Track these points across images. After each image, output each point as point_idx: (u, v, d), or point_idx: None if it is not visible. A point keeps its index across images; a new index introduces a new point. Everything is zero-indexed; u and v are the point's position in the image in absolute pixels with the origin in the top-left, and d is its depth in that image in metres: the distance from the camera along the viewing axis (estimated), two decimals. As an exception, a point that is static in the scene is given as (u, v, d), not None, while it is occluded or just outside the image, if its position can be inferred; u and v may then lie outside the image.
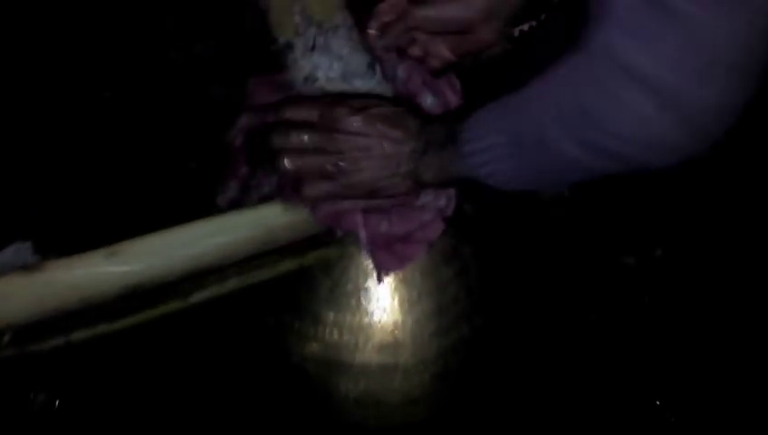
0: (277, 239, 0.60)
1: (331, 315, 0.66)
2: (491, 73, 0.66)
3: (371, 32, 0.63)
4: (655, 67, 0.41)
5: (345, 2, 0.63)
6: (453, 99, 0.66)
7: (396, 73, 0.65)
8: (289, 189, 0.60)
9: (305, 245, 0.61)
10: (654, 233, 0.70)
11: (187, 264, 0.56)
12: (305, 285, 0.66)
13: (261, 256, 0.59)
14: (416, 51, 0.63)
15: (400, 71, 0.65)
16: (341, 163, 0.58)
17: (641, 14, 0.41)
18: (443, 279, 0.67)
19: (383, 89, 0.66)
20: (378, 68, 0.65)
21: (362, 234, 0.61)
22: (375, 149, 0.57)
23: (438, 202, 0.64)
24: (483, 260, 0.68)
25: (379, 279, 0.65)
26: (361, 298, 0.67)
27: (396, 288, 0.67)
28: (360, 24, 0.64)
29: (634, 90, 0.43)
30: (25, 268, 0.50)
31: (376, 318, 0.66)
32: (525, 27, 0.65)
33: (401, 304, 0.67)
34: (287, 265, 0.58)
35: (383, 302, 0.67)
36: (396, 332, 0.66)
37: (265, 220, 0.59)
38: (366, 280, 0.67)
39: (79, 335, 0.49)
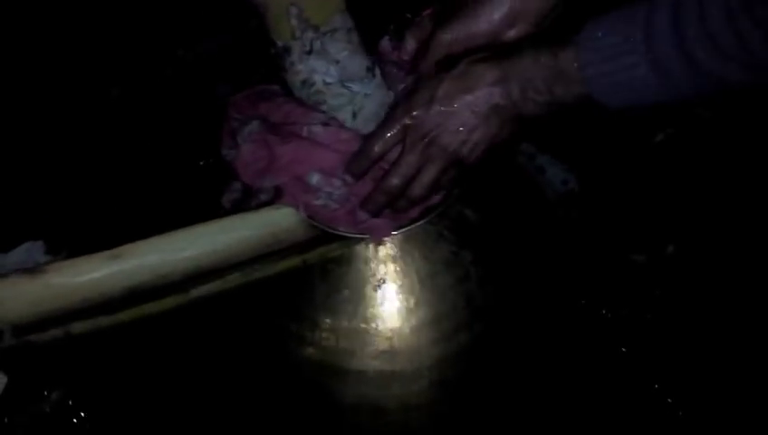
0: (279, 242, 0.59)
1: (328, 321, 0.66)
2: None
3: (405, 58, 0.64)
4: None
5: (344, 4, 0.61)
6: None
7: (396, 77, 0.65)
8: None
9: (307, 244, 0.61)
10: (663, 230, 0.69)
11: (188, 266, 0.56)
12: (304, 289, 0.66)
13: (262, 257, 0.59)
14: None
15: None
16: (451, 151, 0.57)
17: None
18: (443, 286, 0.67)
19: (382, 92, 0.64)
20: (377, 71, 0.64)
21: None
22: (470, 120, 0.55)
23: None
24: (484, 266, 0.67)
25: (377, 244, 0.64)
26: (359, 304, 0.66)
27: (395, 295, 0.66)
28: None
29: None
30: (29, 270, 0.51)
31: (374, 324, 0.66)
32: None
33: (400, 310, 0.66)
34: (289, 262, 0.58)
35: (382, 308, 0.66)
36: (394, 338, 0.66)
37: (267, 223, 0.59)
38: (365, 286, 0.66)
39: (78, 327, 0.50)
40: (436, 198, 0.62)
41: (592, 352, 0.67)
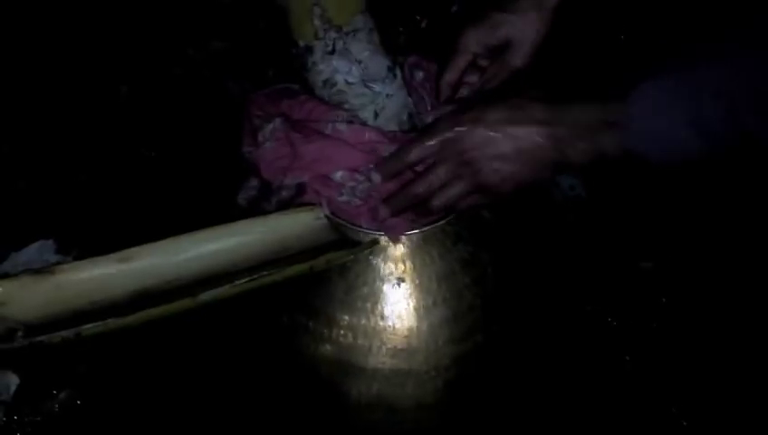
0: (286, 249, 0.60)
1: (345, 318, 0.66)
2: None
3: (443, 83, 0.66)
4: None
5: (365, 6, 0.62)
6: None
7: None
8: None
9: (314, 251, 0.61)
10: (670, 238, 0.68)
11: (197, 269, 0.56)
12: (320, 286, 0.66)
13: (269, 263, 0.59)
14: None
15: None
16: (481, 178, 0.58)
17: None
18: (459, 286, 0.67)
19: (403, 93, 0.65)
20: (398, 72, 0.65)
21: None
22: (510, 153, 0.56)
23: None
24: (500, 267, 0.67)
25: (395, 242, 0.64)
26: (377, 302, 0.66)
27: (411, 293, 0.66)
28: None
29: None
30: (38, 271, 0.52)
31: (390, 322, 0.66)
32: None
33: (416, 309, 0.66)
34: (296, 269, 0.58)
35: (398, 306, 0.66)
36: (410, 337, 0.66)
37: (277, 228, 0.59)
38: (382, 284, 0.67)
39: (88, 329, 0.50)
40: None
41: (597, 360, 0.66)
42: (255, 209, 0.64)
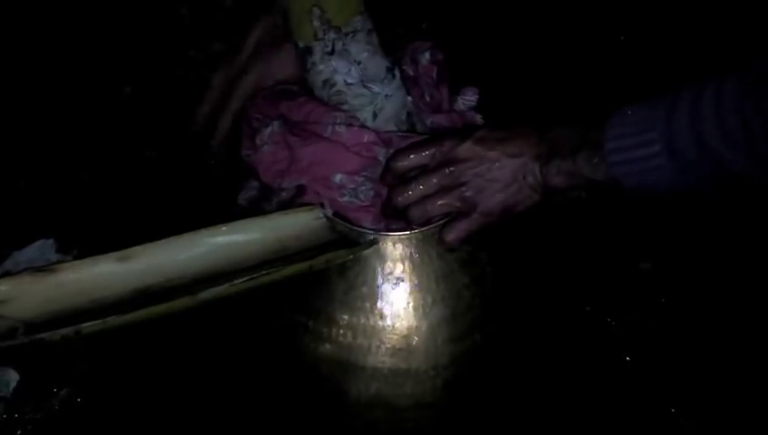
0: (285, 248, 0.60)
1: (344, 317, 0.66)
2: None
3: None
4: None
5: (363, 7, 0.62)
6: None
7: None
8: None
9: (313, 251, 0.61)
10: (670, 238, 0.68)
11: (197, 268, 0.57)
12: (320, 285, 0.66)
13: (270, 261, 0.59)
14: None
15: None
16: (467, 195, 0.59)
17: None
18: (458, 285, 0.67)
19: (402, 94, 0.66)
20: (397, 73, 0.65)
21: None
22: (496, 170, 0.58)
23: None
24: (499, 267, 0.67)
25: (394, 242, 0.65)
26: (376, 301, 0.67)
27: (410, 293, 0.67)
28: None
29: None
30: (39, 270, 0.52)
31: (389, 322, 0.66)
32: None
33: (416, 308, 0.66)
34: (295, 268, 0.59)
35: (397, 306, 0.66)
36: (409, 336, 0.66)
37: (277, 227, 0.59)
38: (381, 283, 0.67)
39: (88, 327, 0.51)
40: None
41: (596, 360, 0.67)
42: (256, 210, 0.65)
